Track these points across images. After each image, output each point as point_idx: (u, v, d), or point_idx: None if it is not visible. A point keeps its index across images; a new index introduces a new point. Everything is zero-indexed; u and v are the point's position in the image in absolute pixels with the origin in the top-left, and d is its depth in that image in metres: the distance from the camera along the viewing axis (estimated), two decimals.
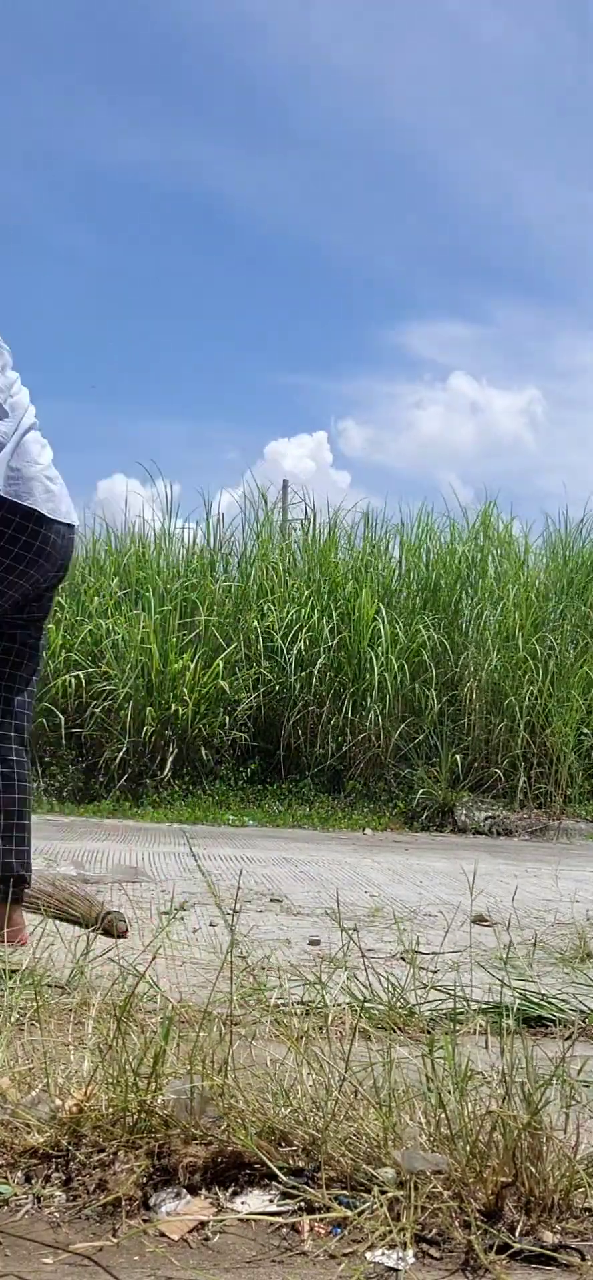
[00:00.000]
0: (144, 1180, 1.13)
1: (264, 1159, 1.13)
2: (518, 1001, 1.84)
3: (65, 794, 6.03)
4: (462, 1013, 1.69)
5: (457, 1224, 1.06)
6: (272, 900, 3.20)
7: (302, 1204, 1.10)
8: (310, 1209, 1.09)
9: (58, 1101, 1.23)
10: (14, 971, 1.72)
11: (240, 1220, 1.09)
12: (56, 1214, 1.09)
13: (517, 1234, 1.05)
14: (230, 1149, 1.15)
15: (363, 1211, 1.07)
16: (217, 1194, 1.13)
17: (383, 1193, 1.08)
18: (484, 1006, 1.78)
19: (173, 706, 6.14)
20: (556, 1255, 1.03)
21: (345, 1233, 1.06)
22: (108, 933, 2.37)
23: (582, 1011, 1.88)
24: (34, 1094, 1.26)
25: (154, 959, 2.14)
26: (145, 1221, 1.07)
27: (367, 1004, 1.76)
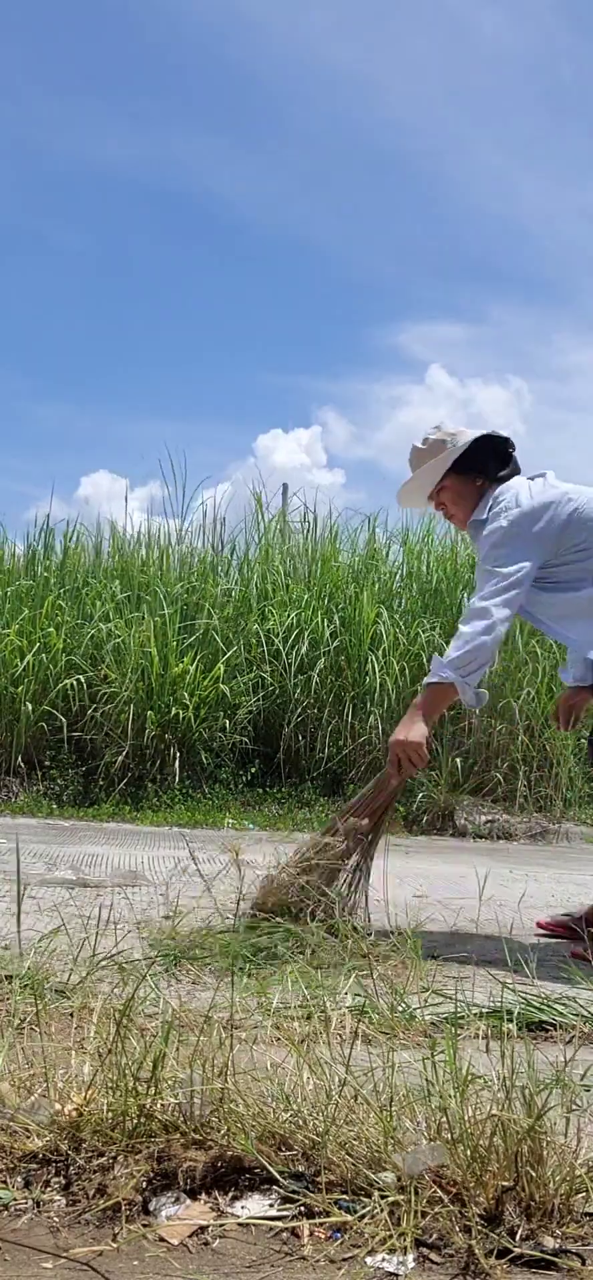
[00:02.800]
0: (144, 1185, 1.12)
1: (264, 1163, 1.13)
2: (519, 1005, 1.84)
3: (65, 798, 6.03)
4: (463, 1017, 1.69)
5: (457, 1228, 1.05)
6: None
7: (302, 1208, 1.10)
8: (311, 1213, 1.09)
9: (58, 1106, 1.22)
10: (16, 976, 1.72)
11: (240, 1225, 1.08)
12: (56, 1219, 1.09)
13: (517, 1238, 1.05)
14: (230, 1153, 1.15)
15: (363, 1216, 1.07)
16: (216, 1198, 1.13)
17: (383, 1197, 1.08)
18: (485, 1010, 1.78)
19: (173, 710, 6.14)
20: (556, 1260, 1.03)
21: (346, 1237, 1.06)
22: None
23: (584, 1016, 1.87)
24: (34, 1098, 1.26)
25: (154, 962, 2.14)
26: (145, 1226, 1.07)
27: (367, 1008, 1.76)
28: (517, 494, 2.73)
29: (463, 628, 2.61)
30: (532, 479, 2.81)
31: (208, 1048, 1.28)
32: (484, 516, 2.73)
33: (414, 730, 2.57)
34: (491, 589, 2.61)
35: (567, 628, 2.81)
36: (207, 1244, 1.05)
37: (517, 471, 2.85)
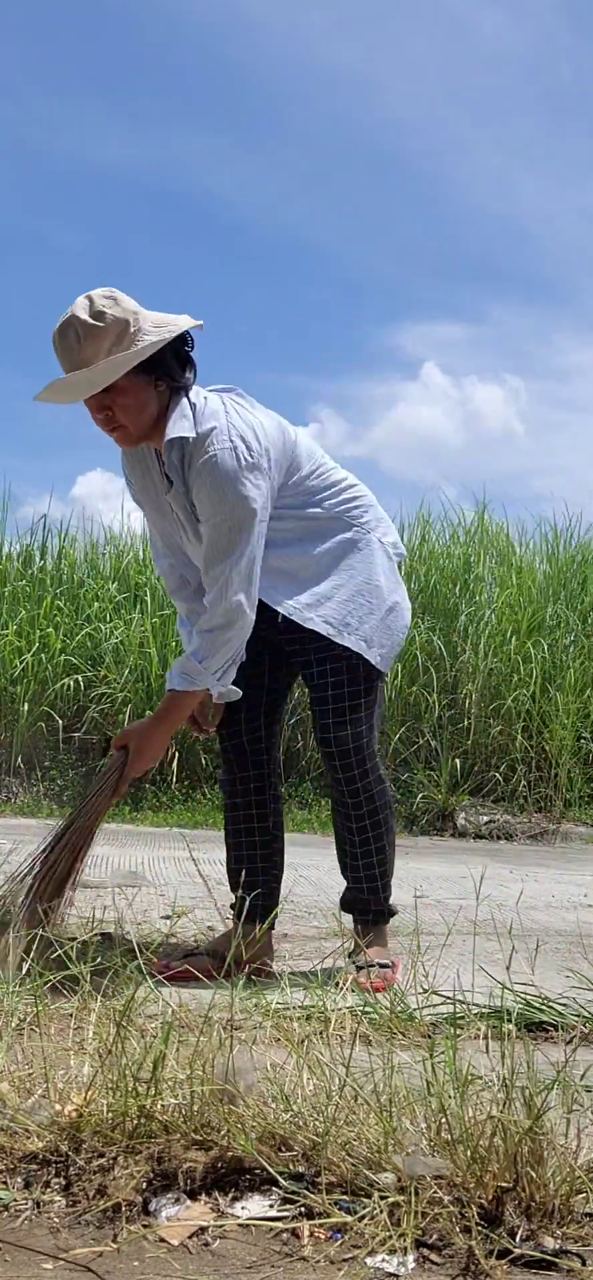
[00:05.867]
0: (144, 1185, 1.12)
1: (264, 1164, 1.13)
2: (519, 1006, 1.84)
3: (65, 798, 6.03)
4: (462, 1017, 1.69)
5: (457, 1229, 1.05)
6: None
7: (302, 1209, 1.10)
8: (311, 1214, 1.08)
9: (57, 1106, 1.22)
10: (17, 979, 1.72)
11: (240, 1225, 1.08)
12: (56, 1219, 1.09)
13: (518, 1239, 1.05)
14: (230, 1154, 1.15)
15: (363, 1217, 1.07)
16: (217, 1199, 1.12)
17: (383, 1198, 1.08)
18: (485, 1011, 1.78)
19: None
20: (556, 1260, 1.03)
21: (346, 1238, 1.05)
22: None
23: (584, 1016, 1.87)
24: (34, 1099, 1.26)
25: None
26: (145, 1227, 1.07)
27: (367, 1008, 1.76)
28: (238, 411, 2.12)
29: (212, 623, 2.09)
30: (220, 391, 2.19)
31: (208, 1048, 1.27)
32: (191, 435, 2.06)
33: (158, 751, 2.19)
34: (233, 566, 2.05)
35: (310, 606, 2.23)
36: (207, 1245, 1.05)
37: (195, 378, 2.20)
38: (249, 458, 2.06)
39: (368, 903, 2.39)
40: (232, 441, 2.06)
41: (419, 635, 6.52)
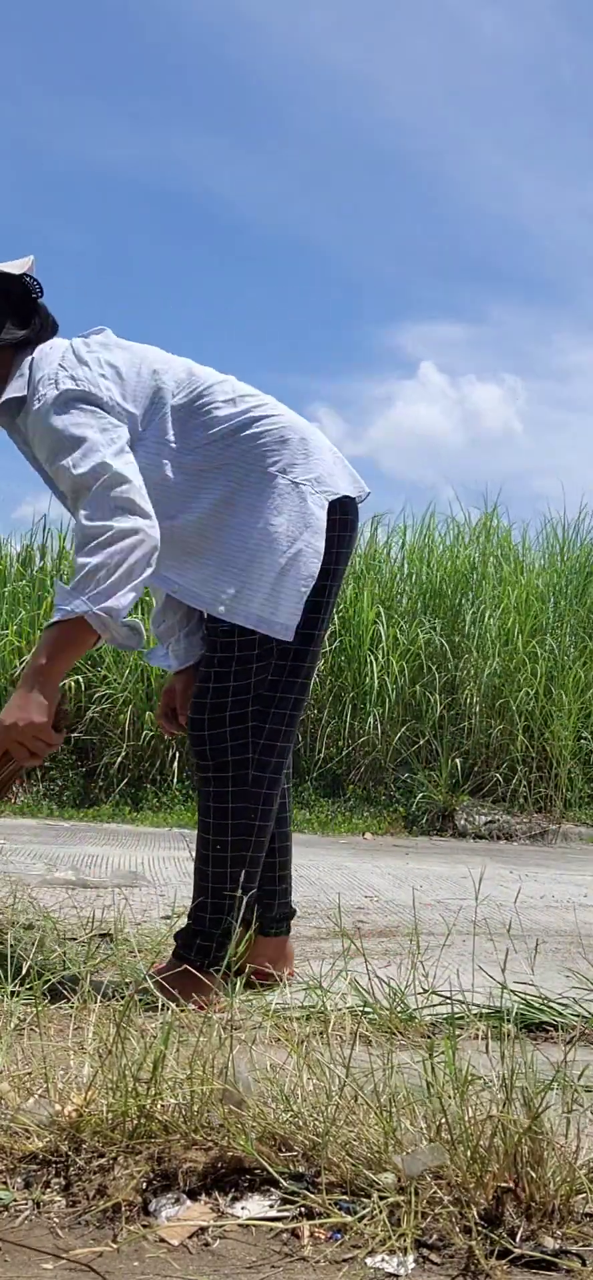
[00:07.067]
0: (144, 1186, 1.12)
1: (264, 1164, 1.13)
2: (519, 1006, 1.84)
3: (65, 798, 6.03)
4: (462, 1017, 1.69)
5: (457, 1229, 1.05)
6: None
7: (302, 1209, 1.10)
8: (311, 1214, 1.08)
9: (57, 1106, 1.22)
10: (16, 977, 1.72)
11: (240, 1226, 1.08)
12: (56, 1219, 1.09)
13: (518, 1239, 1.05)
14: (230, 1154, 1.15)
15: (363, 1217, 1.07)
16: (217, 1199, 1.12)
17: (383, 1198, 1.08)
18: (485, 1011, 1.78)
19: None
20: (556, 1260, 1.03)
21: (346, 1238, 1.05)
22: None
23: (583, 1016, 1.88)
24: (34, 1099, 1.26)
25: (155, 964, 2.14)
26: (145, 1227, 1.07)
27: (367, 1009, 1.76)
28: (73, 349, 1.95)
29: (84, 558, 1.79)
30: (85, 336, 2.02)
31: (208, 1048, 1.27)
32: (24, 394, 1.91)
33: (33, 708, 1.79)
34: (96, 494, 1.78)
35: (178, 571, 1.99)
36: (207, 1245, 1.05)
37: (56, 330, 2.01)
38: (75, 389, 1.86)
39: (189, 930, 2.05)
40: (56, 380, 1.88)
41: (422, 634, 6.52)
